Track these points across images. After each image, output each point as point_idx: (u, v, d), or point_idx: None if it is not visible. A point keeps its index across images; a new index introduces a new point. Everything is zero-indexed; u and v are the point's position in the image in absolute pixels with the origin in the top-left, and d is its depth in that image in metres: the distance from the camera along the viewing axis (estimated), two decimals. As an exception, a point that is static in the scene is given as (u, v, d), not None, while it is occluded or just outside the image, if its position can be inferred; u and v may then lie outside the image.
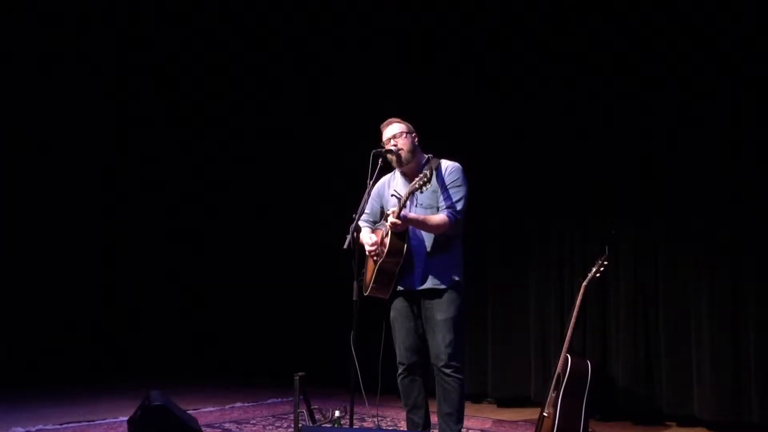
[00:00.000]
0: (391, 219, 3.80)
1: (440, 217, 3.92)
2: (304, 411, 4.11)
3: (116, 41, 7.94)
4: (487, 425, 5.32)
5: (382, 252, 3.91)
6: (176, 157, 8.46)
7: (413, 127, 4.12)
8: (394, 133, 4.04)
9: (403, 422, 4.79)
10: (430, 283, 3.95)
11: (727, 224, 5.01)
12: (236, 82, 8.15)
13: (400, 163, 4.04)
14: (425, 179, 3.69)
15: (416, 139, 4.10)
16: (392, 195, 4.06)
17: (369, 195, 3.98)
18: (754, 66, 4.92)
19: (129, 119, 8.39)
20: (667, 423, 5.27)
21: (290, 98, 7.67)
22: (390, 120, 4.13)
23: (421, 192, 3.81)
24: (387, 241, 3.90)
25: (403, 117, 4.17)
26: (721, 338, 4.96)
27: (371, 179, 3.90)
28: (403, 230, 3.88)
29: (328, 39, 7.19)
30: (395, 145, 4.01)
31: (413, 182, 3.79)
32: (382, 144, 4.06)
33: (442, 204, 3.96)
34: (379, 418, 5.24)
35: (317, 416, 4.31)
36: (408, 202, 3.89)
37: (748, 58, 4.94)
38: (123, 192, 8.41)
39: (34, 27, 7.46)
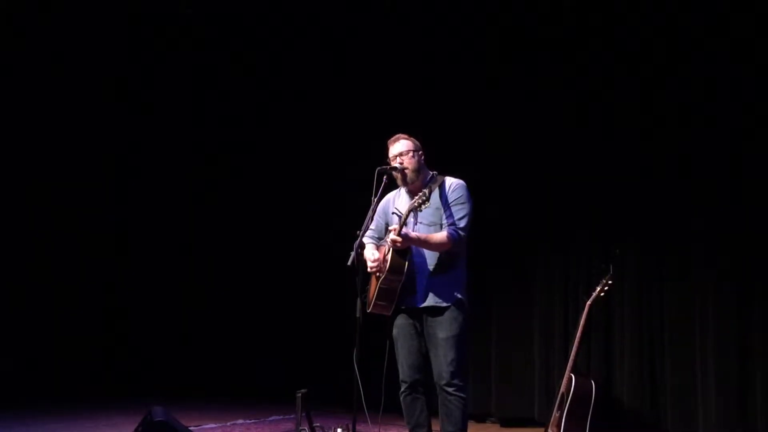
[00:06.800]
0: (391, 236, 3.80)
1: (442, 234, 3.91)
2: (306, 429, 4.10)
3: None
4: (490, 445, 5.31)
5: (384, 269, 3.90)
6: (184, 159, 8.45)
7: (420, 143, 4.08)
8: (401, 150, 4.03)
9: (405, 441, 4.76)
10: (432, 300, 3.92)
11: (734, 244, 5.00)
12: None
13: (404, 181, 4.03)
14: (424, 198, 3.71)
15: (422, 157, 4.08)
16: (393, 213, 4.07)
17: (374, 212, 3.96)
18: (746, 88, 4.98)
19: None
20: (672, 444, 5.23)
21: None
22: (398, 136, 4.10)
23: (420, 210, 3.82)
24: (389, 258, 3.90)
25: (408, 130, 4.13)
26: (726, 359, 4.93)
27: (376, 196, 3.89)
28: (405, 248, 3.87)
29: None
30: (401, 163, 4.00)
31: (413, 200, 3.80)
32: (387, 159, 4.05)
33: (444, 221, 3.95)
34: (382, 437, 5.21)
35: (319, 434, 4.29)
36: (410, 219, 3.88)
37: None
38: (131, 211, 8.45)
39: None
